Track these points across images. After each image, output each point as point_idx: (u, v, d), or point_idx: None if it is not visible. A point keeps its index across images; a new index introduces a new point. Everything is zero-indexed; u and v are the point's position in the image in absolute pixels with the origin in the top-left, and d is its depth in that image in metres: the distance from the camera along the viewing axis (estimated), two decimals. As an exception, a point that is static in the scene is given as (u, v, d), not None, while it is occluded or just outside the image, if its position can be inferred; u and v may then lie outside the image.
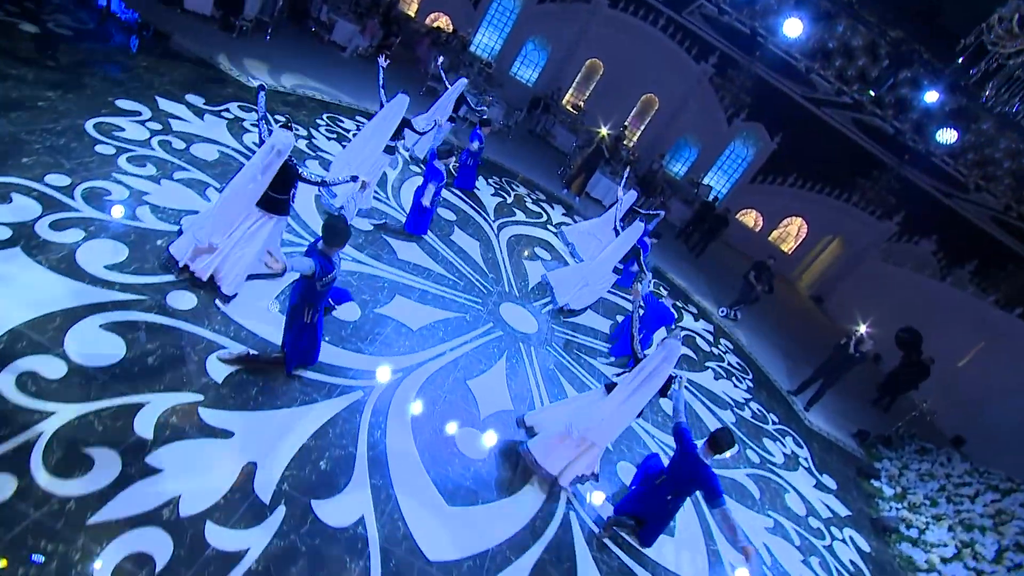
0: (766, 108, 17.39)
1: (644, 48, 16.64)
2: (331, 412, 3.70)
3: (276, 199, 4.12)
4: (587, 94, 17.71)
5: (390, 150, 6.56)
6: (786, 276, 19.55)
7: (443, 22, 16.68)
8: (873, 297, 16.83)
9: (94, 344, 3.15)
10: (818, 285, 19.39)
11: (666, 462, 4.10)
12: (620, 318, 7.64)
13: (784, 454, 7.18)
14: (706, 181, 18.16)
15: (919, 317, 14.82)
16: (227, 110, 6.69)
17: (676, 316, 6.39)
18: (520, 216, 9.27)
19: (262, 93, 4.56)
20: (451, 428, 4.24)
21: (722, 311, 10.63)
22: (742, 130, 17.53)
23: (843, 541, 6.20)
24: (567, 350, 6.27)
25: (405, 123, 6.39)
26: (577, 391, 5.67)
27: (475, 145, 8.36)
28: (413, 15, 16.74)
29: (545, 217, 9.94)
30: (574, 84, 17.60)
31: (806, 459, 7.45)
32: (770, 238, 19.20)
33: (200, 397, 3.25)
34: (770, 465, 6.72)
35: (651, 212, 8.98)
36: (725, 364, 8.61)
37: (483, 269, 6.84)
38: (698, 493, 4.28)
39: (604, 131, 11.57)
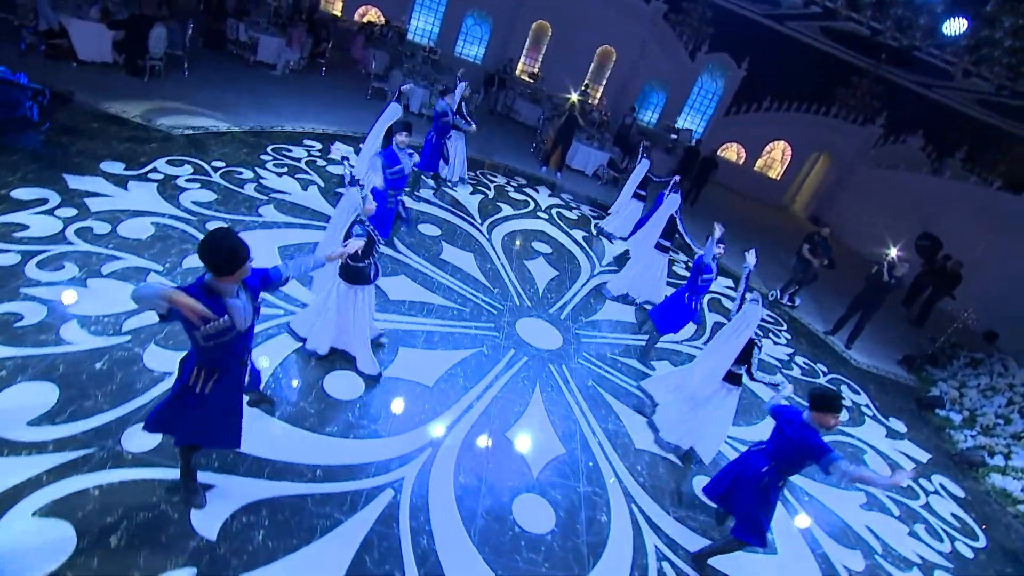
0: (728, 36, 16.49)
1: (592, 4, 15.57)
2: (362, 531, 2.97)
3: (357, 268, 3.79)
4: (540, 60, 16.66)
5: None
6: (779, 203, 18.98)
7: (373, 15, 15.45)
8: (872, 206, 16.32)
9: (32, 543, 2.37)
10: (813, 205, 18.85)
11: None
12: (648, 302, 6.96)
13: (846, 408, 6.62)
14: (680, 124, 17.35)
15: (923, 217, 14.34)
16: (154, 170, 5.75)
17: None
18: (507, 209, 8.46)
19: (346, 161, 4.20)
20: (506, 502, 3.54)
21: (773, 295, 9.01)
22: (707, 63, 16.66)
23: (936, 492, 5.67)
24: (601, 358, 5.56)
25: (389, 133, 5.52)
26: (624, 403, 4.99)
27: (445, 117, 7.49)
28: (339, 14, 15.47)
29: (532, 205, 9.13)
30: (524, 52, 16.53)
31: (867, 406, 6.90)
32: (756, 168, 18.56)
33: (193, 571, 2.50)
34: (839, 427, 6.16)
35: (664, 179, 8.24)
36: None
37: (485, 285, 6.07)
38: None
39: (575, 97, 10.67)
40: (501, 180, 9.74)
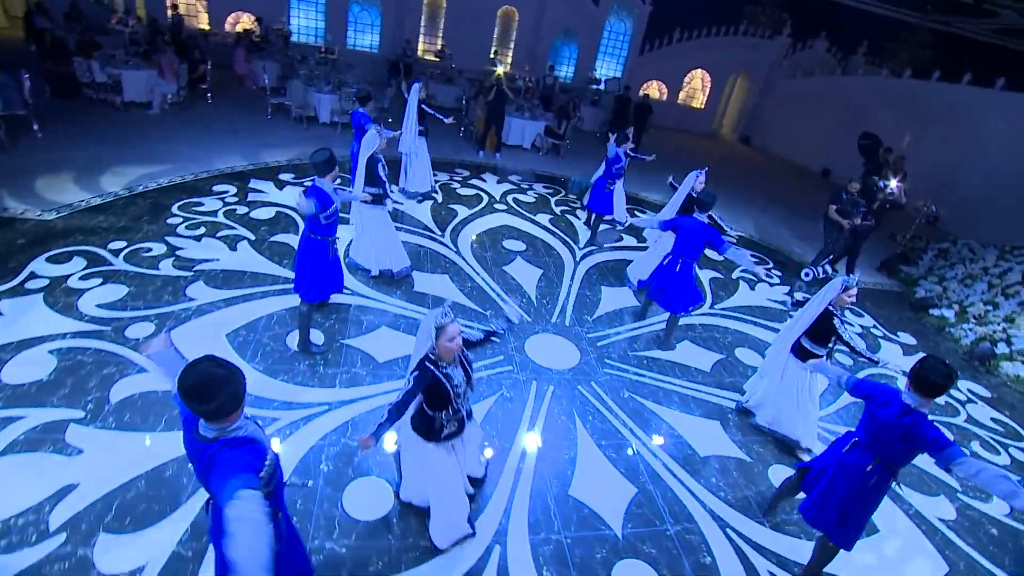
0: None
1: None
2: None
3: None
4: (441, 35, 15.49)
5: (423, 133, 7.54)
6: (708, 131, 19.03)
7: (247, 22, 13.68)
8: (798, 116, 16.59)
9: None
10: (740, 127, 19.05)
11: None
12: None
13: (859, 335, 6.50)
14: (597, 73, 16.81)
15: (849, 118, 14.67)
16: (32, 275, 4.55)
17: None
18: (462, 210, 7.66)
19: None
20: (595, 578, 2.98)
21: (807, 274, 7.59)
22: (612, 5, 16.08)
23: (970, 401, 5.64)
24: (624, 359, 5.03)
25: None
26: (665, 405, 4.51)
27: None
28: (208, 27, 13.59)
29: (485, 197, 8.36)
30: (422, 30, 15.29)
31: (876, 327, 6.83)
32: (679, 101, 18.42)
33: None
34: (862, 360, 5.99)
35: (641, 156, 7.62)
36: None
37: (475, 310, 5.35)
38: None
39: (500, 70, 9.81)
40: (443, 177, 8.87)
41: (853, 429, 3.06)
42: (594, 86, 15.74)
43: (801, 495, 3.31)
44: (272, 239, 5.88)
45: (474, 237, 6.91)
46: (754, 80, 18.12)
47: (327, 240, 3.98)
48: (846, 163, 14.52)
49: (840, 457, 2.96)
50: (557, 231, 7.66)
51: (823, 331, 3.76)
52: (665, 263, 5.09)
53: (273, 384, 3.88)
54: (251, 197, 6.78)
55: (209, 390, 1.61)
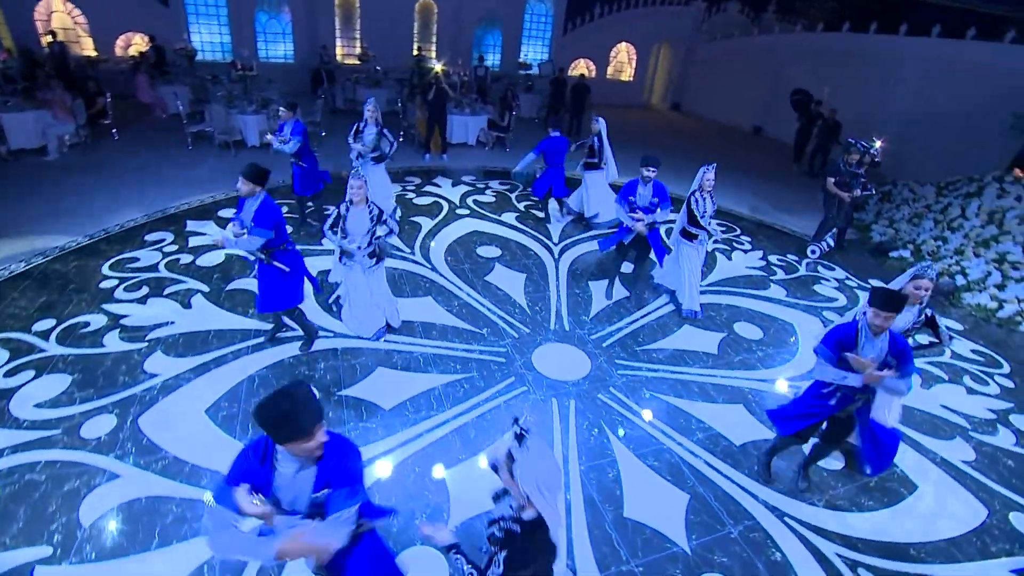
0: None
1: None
2: None
3: None
4: (358, 37, 14.70)
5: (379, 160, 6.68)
6: (639, 103, 19.25)
7: (141, 43, 12.36)
8: (724, 78, 17.03)
9: None
10: (669, 94, 19.38)
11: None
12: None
13: (837, 290, 6.68)
14: (523, 57, 16.55)
15: (773, 75, 15.21)
16: (-46, 379, 3.82)
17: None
18: (425, 222, 7.24)
19: None
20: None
21: (812, 251, 7.48)
22: (530, -14, 15.76)
23: (950, 337, 5.91)
24: (634, 355, 4.88)
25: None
26: (687, 398, 4.40)
27: (291, 143, 6.05)
28: (95, 54, 12.18)
29: (445, 204, 7.96)
30: (338, 34, 14.44)
31: (848, 279, 7.05)
32: (608, 76, 18.49)
33: None
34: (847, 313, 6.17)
35: (582, 142, 7.49)
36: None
37: (471, 331, 5.01)
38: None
39: (439, 67, 9.33)
40: (396, 187, 8.36)
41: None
42: (523, 71, 15.46)
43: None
44: (229, 287, 5.27)
45: (444, 251, 6.54)
46: (677, 48, 18.44)
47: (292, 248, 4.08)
48: (776, 119, 15.11)
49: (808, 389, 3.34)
50: (527, 229, 7.41)
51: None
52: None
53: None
54: (193, 242, 6.08)
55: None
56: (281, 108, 6.32)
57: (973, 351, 5.69)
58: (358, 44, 14.61)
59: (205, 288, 5.21)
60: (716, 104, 17.39)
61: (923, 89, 11.79)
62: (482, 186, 8.96)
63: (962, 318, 6.40)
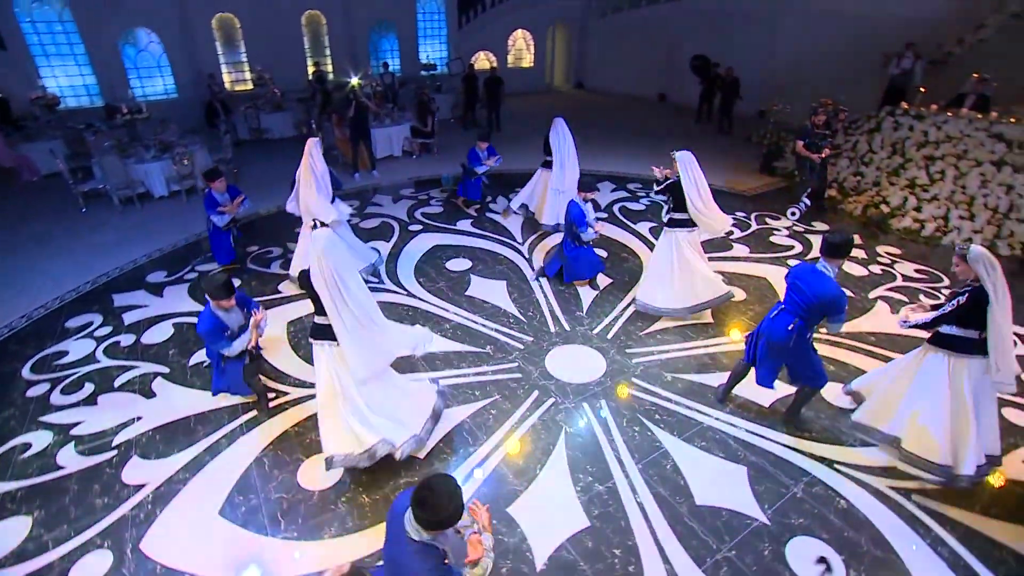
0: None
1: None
2: None
3: None
4: (245, 60, 13.59)
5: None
6: (545, 87, 19.45)
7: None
8: (622, 51, 17.55)
9: None
10: (572, 74, 19.75)
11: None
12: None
13: (790, 238, 7.10)
14: (428, 59, 16.13)
15: (669, 43, 15.87)
16: None
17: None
18: (382, 246, 6.82)
19: None
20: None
21: (792, 212, 7.70)
22: (418, -16, 15.31)
23: (895, 262, 6.48)
24: (640, 342, 4.87)
25: None
26: (706, 372, 4.46)
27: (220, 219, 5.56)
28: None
29: (395, 225, 7.56)
30: (221, 59, 13.26)
31: (796, 224, 7.50)
32: (510, 65, 18.48)
33: None
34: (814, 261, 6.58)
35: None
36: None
37: (475, 352, 4.77)
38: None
39: (355, 81, 8.78)
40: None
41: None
42: (427, 72, 15.06)
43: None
44: (191, 362, 4.65)
45: (413, 272, 6.21)
46: (571, 28, 18.77)
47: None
48: (678, 84, 15.83)
49: (769, 323, 3.57)
50: (488, 234, 7.21)
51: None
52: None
53: (323, 548, 3.05)
54: (129, 318, 5.31)
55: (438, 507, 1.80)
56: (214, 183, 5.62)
57: (916, 271, 6.27)
58: (247, 68, 13.49)
59: (164, 369, 4.56)
60: (619, 77, 17.93)
61: (803, 39, 12.79)
62: (424, 197, 8.62)
63: (896, 243, 7.03)
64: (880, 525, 3.15)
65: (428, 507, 1.81)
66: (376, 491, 3.38)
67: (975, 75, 8.40)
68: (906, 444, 3.46)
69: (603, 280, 5.89)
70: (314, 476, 3.49)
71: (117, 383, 4.40)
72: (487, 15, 17.03)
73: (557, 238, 6.98)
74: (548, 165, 7.17)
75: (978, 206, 7.01)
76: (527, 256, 6.57)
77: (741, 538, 3.07)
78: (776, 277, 5.98)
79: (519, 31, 18.04)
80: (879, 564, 2.93)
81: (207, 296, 3.58)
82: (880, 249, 6.82)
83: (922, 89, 8.59)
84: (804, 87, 12.43)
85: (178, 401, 4.19)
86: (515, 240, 7.03)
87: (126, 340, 4.99)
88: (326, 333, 3.17)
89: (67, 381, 4.45)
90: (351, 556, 2.96)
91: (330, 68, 14.59)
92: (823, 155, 7.49)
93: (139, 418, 4.02)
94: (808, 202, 7.64)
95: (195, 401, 4.18)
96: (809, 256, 6.55)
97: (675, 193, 4.84)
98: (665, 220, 5.13)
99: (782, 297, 3.62)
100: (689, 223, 4.96)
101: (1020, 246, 6.62)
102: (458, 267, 6.29)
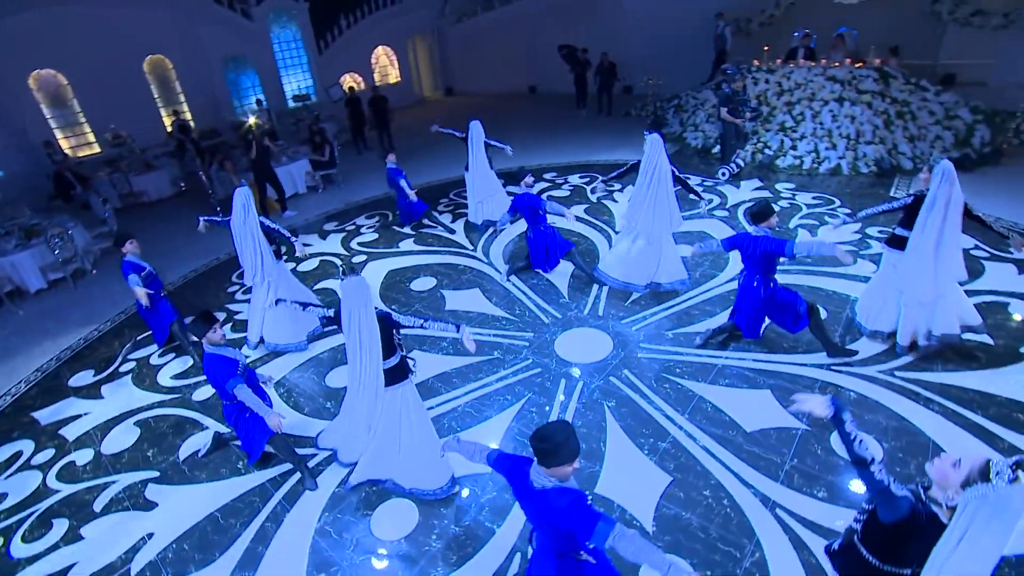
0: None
1: (87, 18, 11.29)
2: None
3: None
4: (83, 120, 11.90)
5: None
6: (417, 99, 19.36)
7: None
8: (485, 53, 18.03)
9: None
10: (440, 82, 19.89)
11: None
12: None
13: (707, 192, 7.88)
14: (292, 90, 15.32)
15: (525, 37, 16.61)
16: None
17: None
18: (331, 286, 6.46)
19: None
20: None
21: (723, 173, 8.27)
22: (268, 15, 14.45)
23: (794, 194, 7.50)
24: (630, 312, 5.18)
25: None
26: (703, 319, 4.88)
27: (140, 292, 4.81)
28: None
29: (338, 261, 7.18)
30: (52, 124, 11.48)
31: (702, 182, 8.34)
32: (378, 83, 18.12)
33: None
34: (730, 209, 7.38)
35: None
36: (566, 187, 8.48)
37: (484, 362, 4.75)
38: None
39: (252, 120, 8.12)
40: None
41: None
42: (300, 103, 14.31)
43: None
44: (184, 454, 4.10)
45: (383, 303, 5.98)
46: (429, 37, 18.88)
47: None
48: (546, 74, 16.65)
49: (740, 290, 4.24)
50: (436, 248, 7.14)
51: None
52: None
53: (435, 588, 2.91)
54: (70, 433, 4.51)
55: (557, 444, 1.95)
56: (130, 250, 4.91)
57: (813, 197, 7.33)
58: (88, 129, 11.80)
59: (151, 473, 3.97)
60: (486, 77, 18.39)
61: (647, 19, 14.10)
62: (352, 227, 8.26)
63: (787, 179, 8.14)
64: (885, 402, 3.74)
65: (548, 438, 1.94)
66: (456, 520, 3.29)
67: (805, 32, 9.90)
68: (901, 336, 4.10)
69: (566, 265, 6.09)
70: (391, 525, 3.30)
71: (98, 507, 3.76)
72: (345, 37, 16.55)
73: (510, 233, 7.14)
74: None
75: (836, 137, 8.34)
76: (486, 260, 6.62)
77: (795, 447, 3.47)
78: (715, 229, 6.64)
79: (380, 48, 17.77)
80: (899, 432, 3.49)
81: (200, 341, 3.48)
82: (779, 187, 7.85)
83: (766, 48, 9.96)
84: (657, 61, 13.77)
85: (189, 502, 3.69)
86: (465, 248, 7.04)
87: (82, 457, 4.25)
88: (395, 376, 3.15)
89: (24, 527, 3.70)
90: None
91: (188, 115, 13.28)
92: (746, 118, 8.30)
93: (150, 535, 3.48)
94: (741, 163, 8.43)
95: (210, 495, 3.71)
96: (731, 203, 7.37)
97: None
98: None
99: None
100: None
101: (874, 163, 8.01)
102: (424, 286, 6.17)
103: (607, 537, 1.87)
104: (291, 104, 14.65)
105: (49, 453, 4.34)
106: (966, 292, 4.22)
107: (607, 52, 12.71)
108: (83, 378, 5.26)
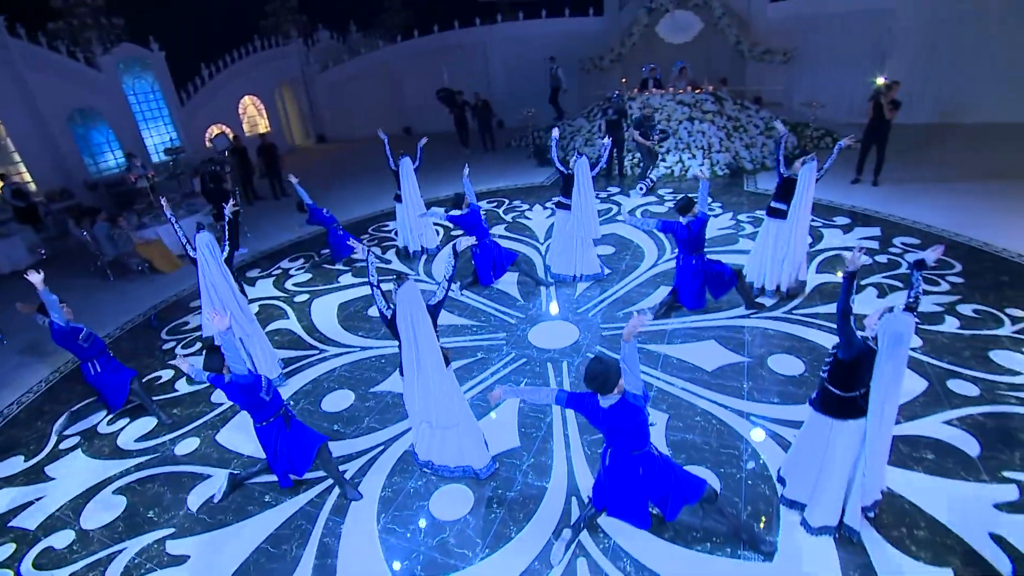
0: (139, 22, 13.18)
1: None
2: None
3: None
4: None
5: None
6: (289, 148, 18.89)
7: None
8: (354, 98, 18.35)
9: None
10: (311, 130, 19.69)
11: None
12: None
13: (613, 202, 9.13)
14: (163, 144, 14.17)
15: (392, 82, 17.38)
16: None
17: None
18: (290, 323, 6.36)
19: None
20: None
21: (641, 188, 9.45)
22: (117, 63, 13.29)
23: (672, 200, 9.07)
24: (585, 300, 5.97)
25: None
26: (650, 292, 5.83)
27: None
28: None
29: (281, 304, 7.02)
30: None
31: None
32: (247, 134, 17.44)
33: None
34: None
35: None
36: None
37: (477, 362, 5.17)
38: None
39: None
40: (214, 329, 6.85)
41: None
42: (171, 156, 13.28)
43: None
44: (195, 503, 3.89)
45: (347, 335, 6.08)
46: (295, 86, 18.67)
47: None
48: (418, 115, 17.47)
49: (678, 265, 5.31)
50: (379, 277, 7.31)
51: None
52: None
53: (518, 544, 3.29)
54: (28, 520, 3.98)
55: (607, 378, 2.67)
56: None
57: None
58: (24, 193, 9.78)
59: (164, 532, 3.72)
60: (358, 122, 18.52)
61: (509, 59, 15.73)
62: (279, 271, 8.08)
63: (663, 186, 9.76)
64: (796, 333, 4.95)
65: (598, 375, 2.65)
66: (507, 488, 3.70)
67: (651, 66, 11.95)
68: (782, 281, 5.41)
69: (510, 275, 6.73)
70: (450, 505, 3.59)
71: (112, 577, 3.45)
72: (208, 88, 15.76)
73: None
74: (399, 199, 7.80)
75: (694, 148, 10.25)
76: (434, 280, 7.01)
77: (746, 374, 4.48)
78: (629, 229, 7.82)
79: (247, 97, 17.17)
80: (809, 349, 4.69)
81: (214, 371, 3.50)
82: (661, 192, 9.40)
83: (623, 80, 11.85)
84: (522, 97, 15.33)
85: (225, 544, 3.57)
86: (410, 273, 7.35)
87: (60, 540, 3.80)
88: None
89: None
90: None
91: (28, 177, 11.63)
92: (654, 139, 9.54)
93: (191, 590, 3.33)
94: (653, 179, 9.65)
95: (248, 531, 3.63)
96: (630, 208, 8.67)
97: (566, 183, 6.15)
98: (554, 202, 6.51)
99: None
100: (570, 207, 6.31)
101: (726, 166, 9.98)
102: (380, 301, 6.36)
103: (641, 390, 2.69)
104: (163, 157, 13.50)
105: (8, 549, 3.80)
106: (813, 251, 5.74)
107: (478, 92, 13.86)
108: (12, 465, 4.59)
